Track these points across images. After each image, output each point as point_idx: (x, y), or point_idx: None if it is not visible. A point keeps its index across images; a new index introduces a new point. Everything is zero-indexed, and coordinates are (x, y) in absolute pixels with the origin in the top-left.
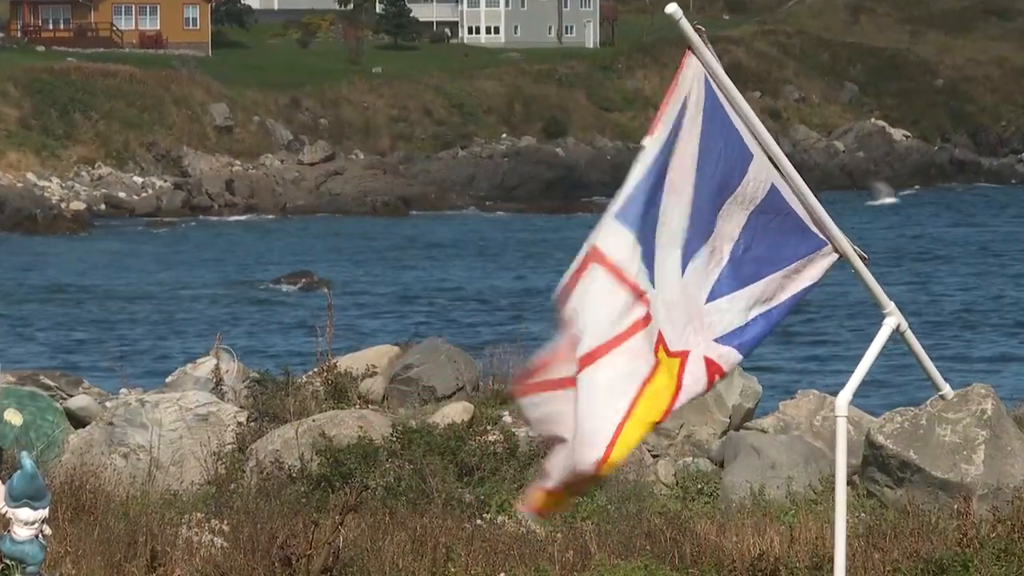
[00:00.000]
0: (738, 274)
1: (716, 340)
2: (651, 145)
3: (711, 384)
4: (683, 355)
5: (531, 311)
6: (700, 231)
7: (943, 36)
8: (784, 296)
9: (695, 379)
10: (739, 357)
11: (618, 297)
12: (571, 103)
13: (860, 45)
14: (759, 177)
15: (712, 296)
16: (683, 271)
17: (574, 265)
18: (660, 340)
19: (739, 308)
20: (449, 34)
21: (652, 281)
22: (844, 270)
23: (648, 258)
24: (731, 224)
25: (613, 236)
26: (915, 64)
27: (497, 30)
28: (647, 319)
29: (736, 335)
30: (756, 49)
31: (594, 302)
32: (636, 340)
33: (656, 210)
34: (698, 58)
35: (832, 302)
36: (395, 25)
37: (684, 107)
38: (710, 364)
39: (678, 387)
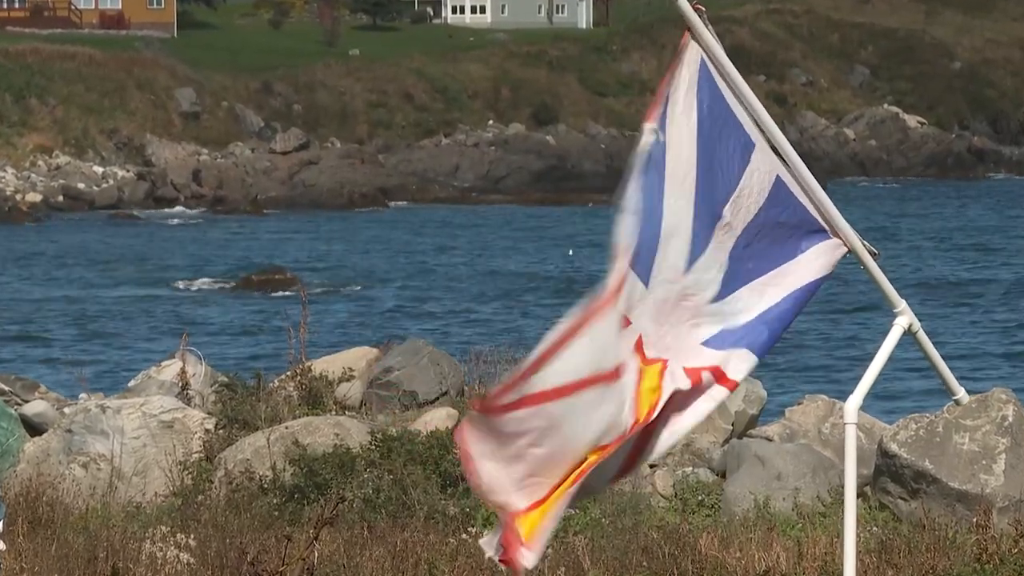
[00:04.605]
0: (740, 272)
1: (705, 344)
2: (649, 131)
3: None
4: (661, 363)
5: (518, 310)
6: (706, 226)
7: (960, 16)
8: (790, 289)
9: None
10: (754, 358)
11: (614, 330)
12: (562, 88)
13: (872, 25)
14: (763, 168)
15: (718, 296)
16: (688, 267)
17: (606, 286)
18: (639, 344)
19: (738, 309)
20: (431, 14)
21: (647, 281)
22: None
23: (644, 258)
24: (737, 219)
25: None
26: (930, 46)
27: (483, 9)
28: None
29: (736, 335)
30: (761, 30)
31: (594, 341)
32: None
33: (660, 203)
34: (697, 41)
35: (840, 301)
36: (374, 4)
37: (679, 92)
38: (692, 373)
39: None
